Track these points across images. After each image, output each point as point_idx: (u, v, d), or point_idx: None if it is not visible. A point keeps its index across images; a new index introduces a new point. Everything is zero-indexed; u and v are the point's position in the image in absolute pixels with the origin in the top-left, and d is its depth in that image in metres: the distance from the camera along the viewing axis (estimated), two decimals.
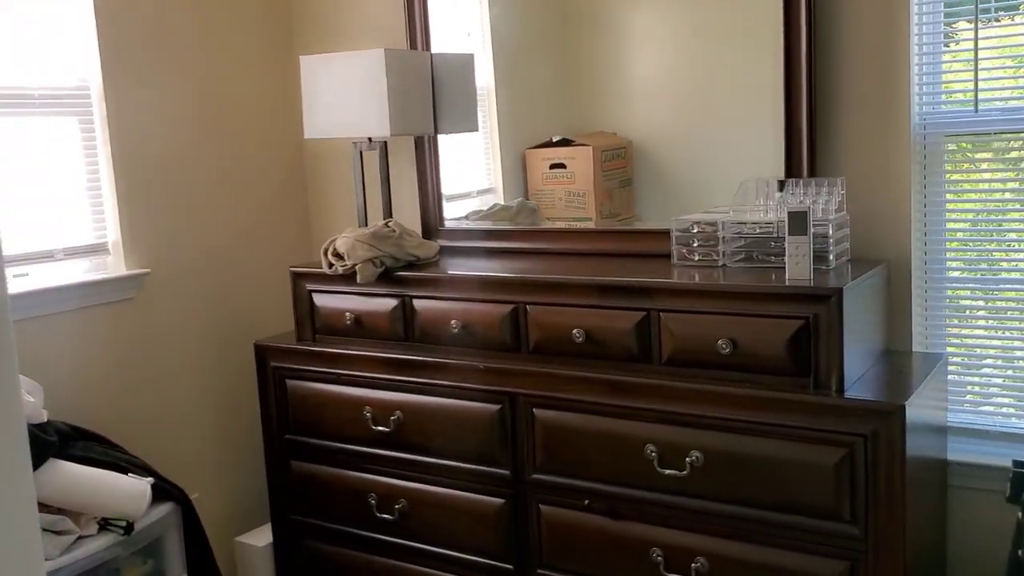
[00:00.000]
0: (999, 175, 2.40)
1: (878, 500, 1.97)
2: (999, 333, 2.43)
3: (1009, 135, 2.34)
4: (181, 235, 3.01)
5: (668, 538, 2.24)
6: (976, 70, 2.30)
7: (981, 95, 2.32)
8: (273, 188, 3.30)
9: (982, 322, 2.45)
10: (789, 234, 2.15)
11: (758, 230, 2.34)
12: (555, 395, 2.36)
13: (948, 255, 2.44)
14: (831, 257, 2.24)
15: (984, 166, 2.42)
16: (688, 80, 2.74)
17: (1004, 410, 2.41)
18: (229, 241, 3.15)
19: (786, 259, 2.16)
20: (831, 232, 2.23)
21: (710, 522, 2.17)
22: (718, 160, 2.69)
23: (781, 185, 2.40)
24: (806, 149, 2.41)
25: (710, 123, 2.70)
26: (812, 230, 2.14)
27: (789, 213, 2.14)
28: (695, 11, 2.71)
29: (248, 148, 3.21)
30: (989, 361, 2.44)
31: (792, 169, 2.43)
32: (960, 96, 2.40)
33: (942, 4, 2.35)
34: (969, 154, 2.43)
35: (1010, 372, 2.41)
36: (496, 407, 2.46)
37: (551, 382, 2.37)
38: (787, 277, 2.15)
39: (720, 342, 2.15)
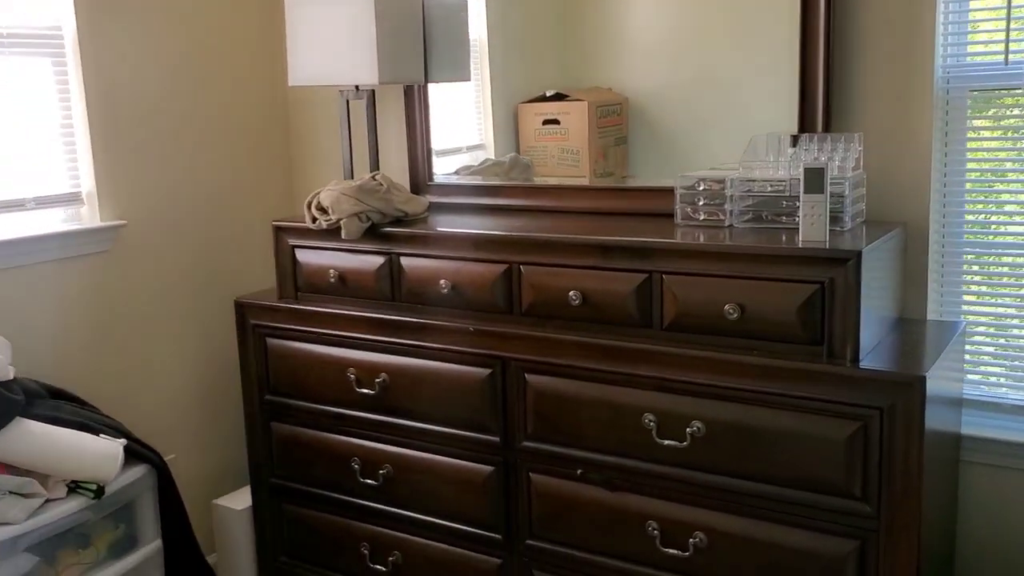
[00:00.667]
0: None
1: (893, 477, 1.85)
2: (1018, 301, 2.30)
3: None
4: (160, 186, 2.85)
5: (666, 511, 2.12)
6: (1008, 19, 2.15)
7: (1013, 46, 2.17)
8: (257, 137, 3.14)
9: (1004, 289, 2.32)
10: (804, 192, 2.01)
11: (769, 188, 2.20)
12: (549, 360, 2.23)
13: (967, 218, 2.30)
14: (847, 218, 2.10)
15: (1013, 122, 2.27)
16: (690, 32, 2.59)
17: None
18: (210, 192, 3.00)
19: (800, 219, 2.02)
20: (848, 191, 2.09)
21: (711, 496, 2.06)
22: (720, 118, 2.56)
23: (794, 141, 2.26)
24: (821, 102, 2.26)
25: (712, 78, 2.56)
26: (829, 189, 2.00)
27: (805, 169, 2.00)
28: None
29: (231, 95, 3.04)
30: (1015, 331, 2.32)
31: (806, 124, 2.29)
32: (987, 47, 2.25)
33: None
34: (996, 110, 2.28)
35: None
36: (486, 371, 2.33)
37: (545, 346, 2.24)
38: (800, 239, 2.01)
39: (727, 307, 2.01)
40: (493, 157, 2.91)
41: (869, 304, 1.96)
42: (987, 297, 2.33)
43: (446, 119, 2.95)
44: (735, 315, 2.01)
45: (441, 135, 2.93)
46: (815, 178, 1.99)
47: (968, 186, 2.29)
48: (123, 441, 2.28)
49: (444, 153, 2.96)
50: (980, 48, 2.26)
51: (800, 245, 1.99)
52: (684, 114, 2.63)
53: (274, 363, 2.73)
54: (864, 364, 1.91)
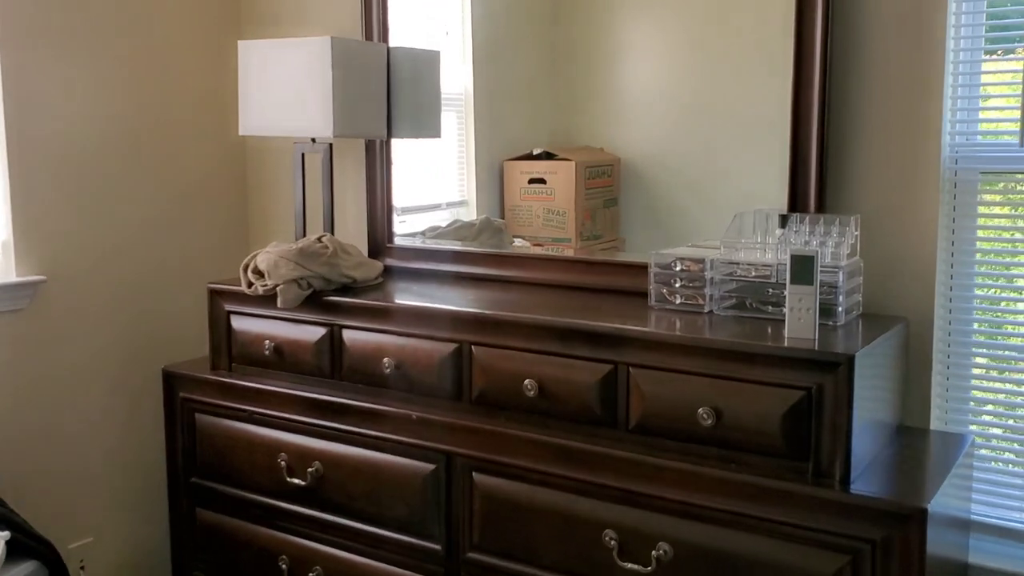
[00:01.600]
0: None
1: None
2: None
3: None
4: (87, 238, 2.59)
5: None
6: None
7: None
8: (202, 189, 2.89)
9: (1018, 398, 2.05)
10: (791, 282, 1.76)
11: (753, 273, 1.95)
12: (499, 459, 1.96)
13: (975, 315, 2.05)
14: (840, 312, 1.84)
15: None
16: (684, 95, 2.41)
17: None
18: (147, 248, 2.74)
19: (786, 312, 1.76)
20: (842, 281, 1.84)
21: None
22: (714, 186, 2.36)
23: (783, 220, 2.01)
24: (814, 178, 2.02)
25: (706, 143, 2.36)
26: (819, 279, 1.75)
27: (792, 256, 1.75)
28: (696, 19, 2.37)
29: (177, 142, 2.80)
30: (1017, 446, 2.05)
31: (797, 202, 2.05)
32: (999, 126, 2.02)
33: (983, 18, 1.97)
34: (1011, 196, 2.04)
35: None
36: (430, 467, 2.06)
37: (495, 442, 1.97)
38: (786, 334, 1.76)
39: (701, 410, 1.75)
40: (475, 215, 2.70)
41: (863, 414, 1.70)
42: (1001, 406, 2.06)
43: (424, 174, 2.75)
44: (710, 421, 1.74)
45: (418, 190, 2.71)
46: (804, 267, 1.74)
47: (978, 280, 2.04)
48: (6, 534, 1.99)
49: (421, 210, 2.75)
50: (991, 127, 2.03)
51: (786, 343, 1.73)
52: (679, 178, 2.44)
53: (202, 441, 2.45)
54: (856, 487, 1.64)
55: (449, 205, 2.80)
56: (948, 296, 2.04)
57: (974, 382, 2.06)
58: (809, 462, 1.68)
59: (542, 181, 2.59)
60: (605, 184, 2.53)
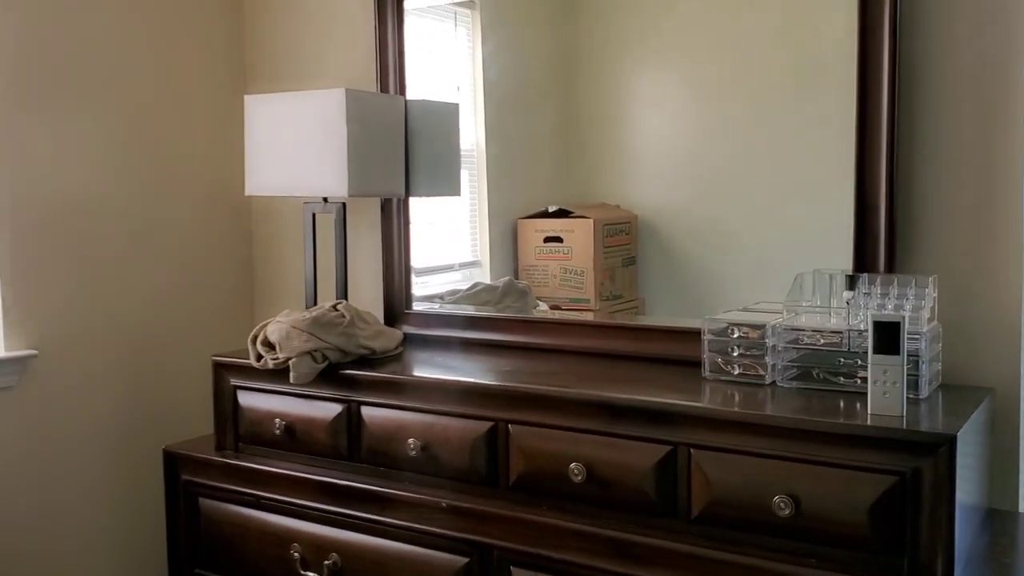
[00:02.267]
0: None
1: None
2: None
3: None
4: (81, 307, 2.40)
5: None
6: None
7: None
8: (206, 255, 2.71)
9: None
10: (874, 351, 1.56)
11: (821, 340, 1.76)
12: (541, 552, 1.75)
13: None
14: (923, 384, 1.65)
15: None
16: (704, 150, 2.29)
17: None
18: (146, 317, 2.55)
19: (869, 387, 1.57)
20: (924, 349, 1.65)
21: None
22: (739, 245, 2.23)
23: (851, 282, 1.83)
24: (883, 235, 1.84)
25: (729, 201, 2.23)
26: (906, 347, 1.56)
27: (875, 323, 1.56)
28: (716, 70, 2.24)
29: (178, 205, 2.63)
30: None
31: (865, 262, 1.86)
32: None
33: None
34: None
35: None
36: (462, 560, 1.84)
37: (537, 533, 1.75)
38: (870, 411, 1.56)
39: (777, 499, 1.54)
40: (488, 276, 2.53)
41: (963, 501, 1.49)
42: None
43: (436, 233, 2.59)
44: (787, 510, 1.53)
45: (429, 251, 2.56)
46: (889, 335, 1.55)
47: None
48: None
49: (433, 271, 2.60)
50: None
51: (869, 421, 1.53)
52: (699, 237, 2.32)
53: (206, 529, 2.23)
54: None
55: (462, 266, 2.64)
56: None
57: None
58: (904, 557, 1.47)
59: (558, 240, 2.45)
60: (623, 242, 2.40)
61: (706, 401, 1.70)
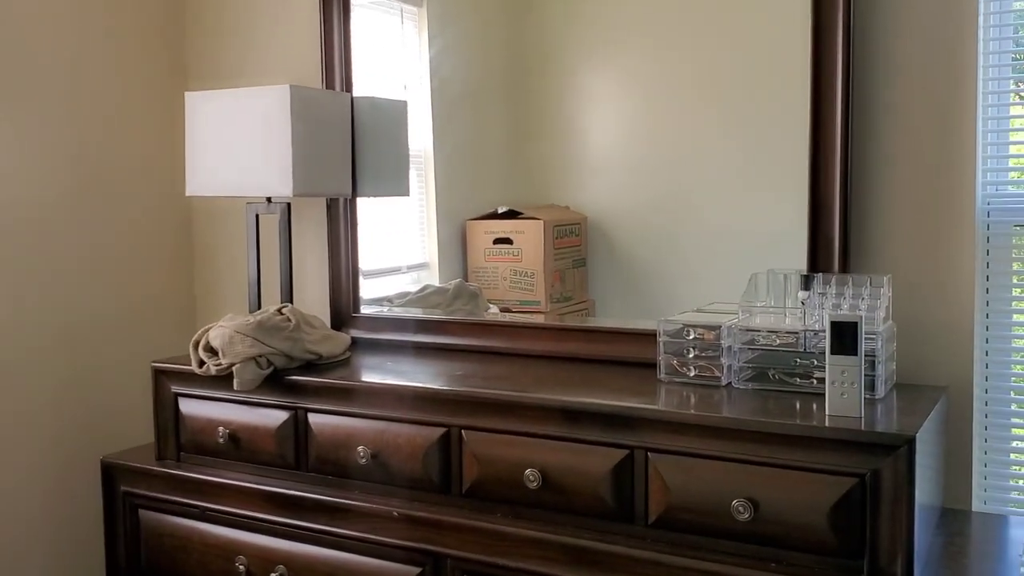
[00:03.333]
0: None
1: None
2: None
3: None
4: (11, 312, 2.29)
5: None
6: None
7: None
8: (147, 257, 2.61)
9: None
10: (832, 352, 1.55)
11: (777, 341, 1.74)
12: (496, 561, 1.70)
13: (1013, 381, 1.87)
14: (879, 384, 1.64)
15: None
16: (655, 151, 2.28)
17: None
18: (81, 321, 2.44)
19: (827, 387, 1.55)
20: (880, 349, 1.64)
21: None
22: (690, 245, 2.21)
23: (806, 282, 1.82)
24: (838, 235, 1.83)
25: (686, 201, 2.23)
26: (864, 347, 1.55)
27: (833, 323, 1.55)
28: (667, 70, 2.22)
29: (118, 205, 2.53)
30: None
31: (818, 261, 1.85)
32: None
33: (1010, 58, 1.83)
34: None
35: None
36: (415, 571, 1.79)
37: (492, 542, 1.71)
38: (828, 412, 1.55)
39: (736, 503, 1.52)
40: (437, 278, 2.48)
41: (920, 501, 1.48)
42: None
43: (384, 235, 2.52)
44: (746, 514, 1.51)
45: (376, 253, 2.49)
46: (847, 335, 1.54)
47: (1015, 343, 1.86)
48: None
49: (379, 274, 2.53)
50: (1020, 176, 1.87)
51: (827, 423, 1.51)
52: (650, 237, 2.30)
53: (148, 542, 2.15)
54: None
55: (410, 268, 2.59)
56: (984, 362, 1.86)
57: (1015, 457, 1.87)
58: (864, 560, 1.45)
59: (508, 241, 2.41)
60: (573, 244, 2.37)
61: (662, 404, 1.67)
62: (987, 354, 1.86)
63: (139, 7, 2.57)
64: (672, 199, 2.23)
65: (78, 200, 2.43)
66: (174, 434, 2.16)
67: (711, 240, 2.16)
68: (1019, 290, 1.86)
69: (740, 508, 1.52)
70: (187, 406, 2.13)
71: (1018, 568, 1.52)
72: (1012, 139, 1.86)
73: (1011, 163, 1.86)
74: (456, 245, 2.49)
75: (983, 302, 1.85)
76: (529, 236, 2.40)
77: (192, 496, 2.07)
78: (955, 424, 1.80)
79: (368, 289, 2.47)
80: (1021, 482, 1.87)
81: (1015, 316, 1.86)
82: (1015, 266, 1.85)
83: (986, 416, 1.87)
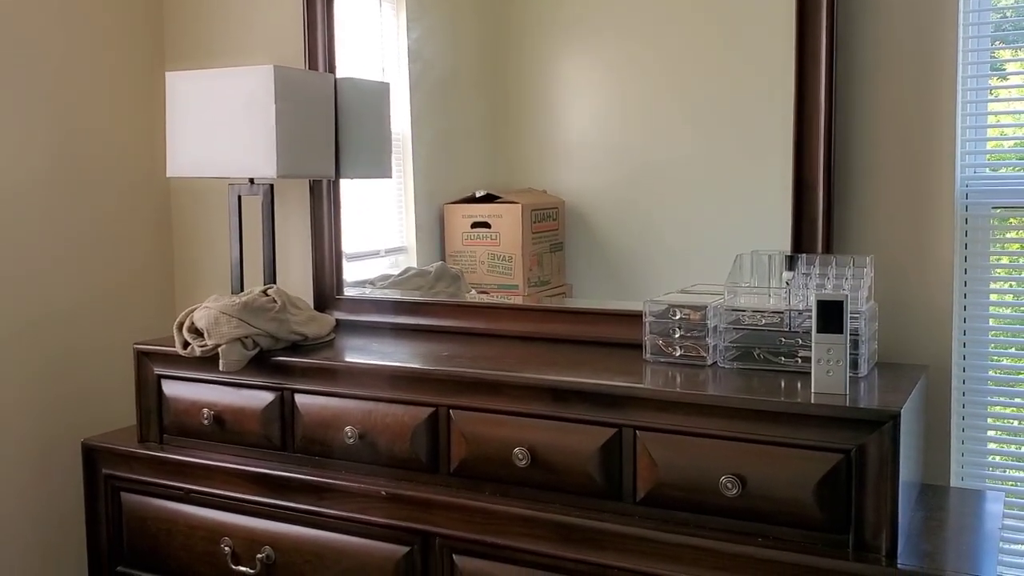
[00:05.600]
0: None
1: None
2: None
3: None
4: None
5: None
6: None
7: None
8: (128, 238, 2.59)
9: None
10: (818, 331, 1.57)
11: (763, 320, 1.77)
12: (485, 539, 1.72)
13: (990, 360, 1.90)
14: (862, 363, 1.67)
15: None
16: (632, 135, 2.27)
17: None
18: (61, 304, 2.42)
19: (813, 365, 1.58)
20: (864, 328, 1.67)
21: None
22: (666, 229, 2.22)
23: (791, 262, 1.84)
24: (822, 216, 1.85)
25: (664, 184, 2.23)
26: (849, 326, 1.57)
27: (819, 302, 1.57)
28: (655, 48, 2.22)
29: (98, 186, 2.50)
30: None
31: (802, 242, 1.88)
32: (1010, 158, 1.90)
33: (990, 30, 1.85)
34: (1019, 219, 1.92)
35: None
36: (403, 550, 1.80)
37: (481, 519, 1.72)
38: (813, 389, 1.57)
39: (724, 479, 1.54)
40: (415, 262, 2.47)
41: (903, 478, 1.51)
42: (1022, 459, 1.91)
43: (362, 219, 2.51)
44: (734, 490, 1.53)
45: (354, 237, 2.48)
46: (832, 314, 1.56)
47: (992, 322, 1.90)
48: None
49: (358, 257, 2.52)
50: (1004, 159, 1.91)
51: (813, 400, 1.54)
52: (627, 221, 2.30)
53: (130, 525, 2.14)
54: (904, 561, 1.45)
55: (388, 252, 2.58)
56: (962, 341, 1.90)
57: (991, 434, 1.91)
58: (849, 534, 1.48)
59: (486, 225, 2.41)
60: (551, 228, 2.38)
61: (649, 383, 1.69)
62: (965, 333, 1.90)
63: None
64: (650, 183, 2.24)
65: (56, 182, 2.40)
66: (157, 416, 2.15)
67: (689, 224, 2.18)
68: (996, 271, 1.90)
69: (728, 484, 1.54)
70: (170, 388, 2.12)
71: (996, 540, 1.55)
72: (990, 122, 1.89)
73: (989, 146, 1.90)
74: (434, 229, 2.49)
75: (961, 282, 1.88)
76: (507, 220, 2.40)
77: (175, 478, 2.06)
78: (934, 402, 1.84)
79: (347, 273, 2.46)
80: (997, 458, 1.91)
81: (992, 296, 1.89)
82: (992, 247, 1.89)
83: (964, 394, 1.90)
